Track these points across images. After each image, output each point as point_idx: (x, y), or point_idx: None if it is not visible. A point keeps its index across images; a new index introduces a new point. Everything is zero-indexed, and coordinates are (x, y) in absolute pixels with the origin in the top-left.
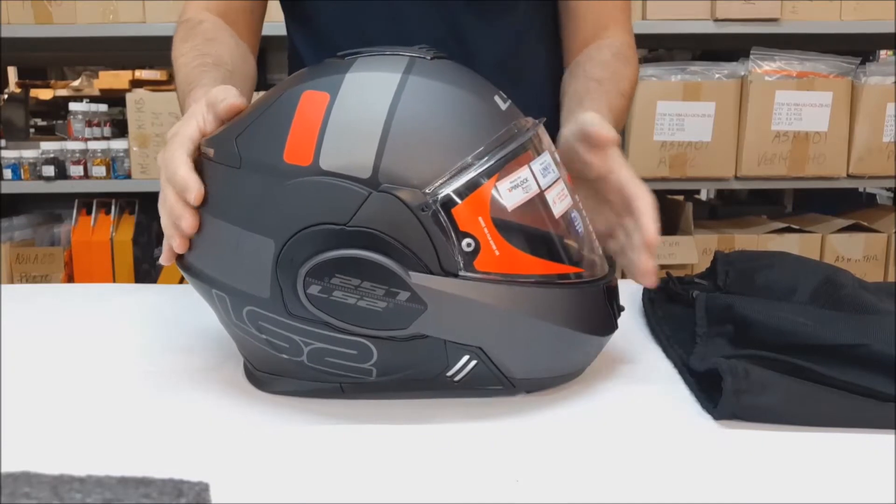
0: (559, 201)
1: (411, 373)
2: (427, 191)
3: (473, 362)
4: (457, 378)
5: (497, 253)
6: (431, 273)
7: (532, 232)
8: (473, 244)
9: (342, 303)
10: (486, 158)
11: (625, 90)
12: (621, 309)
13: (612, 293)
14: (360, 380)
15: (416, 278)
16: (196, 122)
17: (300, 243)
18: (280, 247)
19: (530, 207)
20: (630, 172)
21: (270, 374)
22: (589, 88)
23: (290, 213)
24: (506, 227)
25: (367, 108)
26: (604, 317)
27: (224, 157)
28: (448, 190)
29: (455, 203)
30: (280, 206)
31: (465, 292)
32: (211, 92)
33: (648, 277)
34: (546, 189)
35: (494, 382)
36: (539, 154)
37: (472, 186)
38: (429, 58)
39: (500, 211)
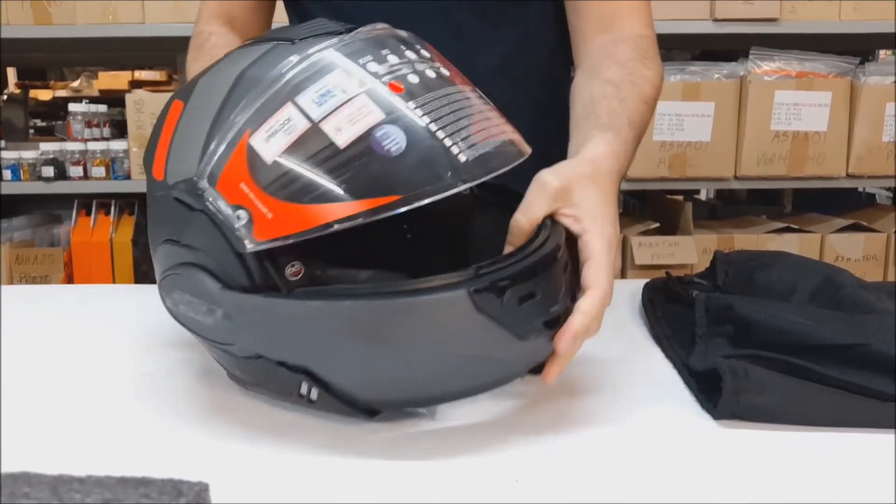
0: (349, 125)
1: (271, 388)
2: (196, 178)
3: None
4: (312, 397)
5: (269, 215)
6: (241, 291)
7: (315, 175)
8: (245, 215)
9: (188, 316)
10: (232, 116)
11: (646, 95)
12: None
13: (501, 290)
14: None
15: (225, 296)
16: None
17: (158, 260)
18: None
19: (303, 148)
20: (596, 255)
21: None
22: (606, 94)
23: (153, 230)
24: (277, 182)
25: (200, 115)
26: (481, 327)
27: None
28: (208, 168)
29: (216, 177)
30: (151, 225)
31: (275, 310)
32: None
33: (546, 374)
34: (324, 118)
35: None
36: (318, 80)
37: (225, 153)
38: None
39: (263, 167)
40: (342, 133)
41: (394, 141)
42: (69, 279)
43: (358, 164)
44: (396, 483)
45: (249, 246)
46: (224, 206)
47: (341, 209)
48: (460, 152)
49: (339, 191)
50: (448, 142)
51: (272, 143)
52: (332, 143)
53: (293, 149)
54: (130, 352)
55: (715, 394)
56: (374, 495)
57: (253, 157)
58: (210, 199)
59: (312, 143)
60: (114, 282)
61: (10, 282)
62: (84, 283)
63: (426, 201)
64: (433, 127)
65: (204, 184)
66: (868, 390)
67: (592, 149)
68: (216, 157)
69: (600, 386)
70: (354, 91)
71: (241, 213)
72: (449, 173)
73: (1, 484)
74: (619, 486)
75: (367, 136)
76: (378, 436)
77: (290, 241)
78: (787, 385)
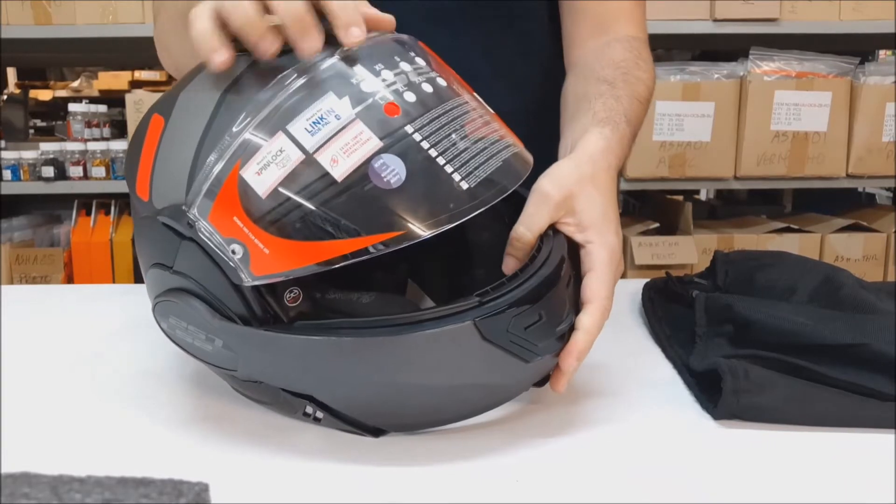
0: (346, 155)
1: (275, 407)
2: (185, 207)
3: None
4: (318, 416)
5: (267, 251)
6: (239, 319)
7: (312, 211)
8: (241, 249)
9: (186, 341)
10: (220, 141)
11: (640, 95)
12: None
13: (507, 318)
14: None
15: (224, 327)
16: None
17: (149, 283)
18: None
19: (298, 182)
20: (596, 270)
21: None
22: (601, 91)
23: (142, 252)
24: (272, 217)
25: (184, 136)
26: (487, 356)
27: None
28: (198, 199)
29: (207, 209)
30: (138, 244)
31: (278, 344)
32: None
33: (555, 382)
34: (318, 149)
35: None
36: (310, 104)
37: (215, 184)
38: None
39: (256, 201)
40: (338, 165)
41: (393, 172)
42: (69, 279)
43: (357, 198)
44: (397, 482)
45: (247, 280)
46: (217, 239)
47: (341, 246)
48: (462, 179)
49: (338, 227)
50: (449, 168)
51: (265, 175)
52: (327, 176)
53: (287, 182)
54: (131, 352)
55: (715, 394)
56: (374, 495)
57: (245, 189)
58: (201, 229)
59: (307, 177)
60: (114, 282)
61: (10, 282)
62: (84, 283)
63: (429, 234)
64: (433, 153)
65: (194, 213)
66: (868, 390)
67: (591, 144)
68: (206, 187)
69: (600, 386)
70: (348, 116)
71: (236, 246)
72: (451, 204)
73: (1, 484)
74: (619, 487)
75: (365, 167)
76: (378, 437)
77: (290, 277)
78: (787, 385)
